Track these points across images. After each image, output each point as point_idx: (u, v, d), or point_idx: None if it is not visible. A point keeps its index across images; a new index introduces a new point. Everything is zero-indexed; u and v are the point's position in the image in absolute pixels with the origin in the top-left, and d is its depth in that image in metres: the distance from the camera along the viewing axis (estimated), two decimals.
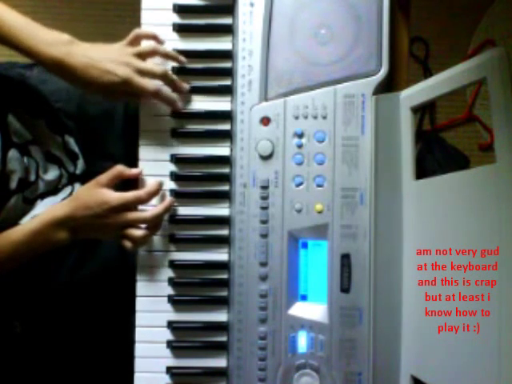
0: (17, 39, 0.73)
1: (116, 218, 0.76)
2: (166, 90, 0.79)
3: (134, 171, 0.80)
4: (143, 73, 0.76)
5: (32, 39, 0.73)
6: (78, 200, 0.76)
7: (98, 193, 0.76)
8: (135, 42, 0.78)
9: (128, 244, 0.77)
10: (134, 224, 0.76)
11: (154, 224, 0.78)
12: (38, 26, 0.75)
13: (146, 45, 0.79)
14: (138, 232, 0.76)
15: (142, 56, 0.77)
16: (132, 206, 0.77)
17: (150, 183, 0.79)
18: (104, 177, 0.77)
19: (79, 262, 0.88)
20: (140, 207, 0.79)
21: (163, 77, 0.78)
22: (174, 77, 0.80)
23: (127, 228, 0.76)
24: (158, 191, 0.79)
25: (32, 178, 0.80)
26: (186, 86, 0.80)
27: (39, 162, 0.82)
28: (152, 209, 0.78)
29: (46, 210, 0.78)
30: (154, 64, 0.78)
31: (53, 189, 0.84)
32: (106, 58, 0.75)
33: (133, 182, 0.80)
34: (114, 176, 0.77)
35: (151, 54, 0.78)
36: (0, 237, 0.75)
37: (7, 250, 0.75)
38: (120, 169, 0.78)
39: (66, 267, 0.88)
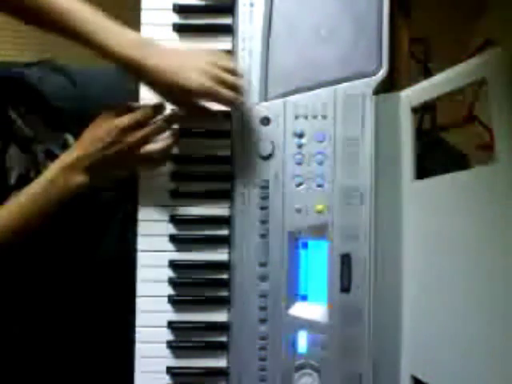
0: (89, 36, 0.71)
1: (127, 139, 0.74)
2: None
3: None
4: (223, 84, 0.74)
5: (106, 38, 0.71)
6: (85, 138, 0.75)
7: (104, 122, 0.75)
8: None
9: (149, 166, 0.77)
10: (146, 140, 0.75)
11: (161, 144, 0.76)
12: (109, 22, 0.73)
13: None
14: (155, 145, 0.75)
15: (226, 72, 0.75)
16: (137, 125, 0.75)
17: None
18: (110, 111, 0.76)
19: (77, 261, 0.88)
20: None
21: (234, 87, 0.75)
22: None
23: (143, 148, 0.75)
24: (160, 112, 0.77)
25: (32, 175, 0.80)
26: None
27: (40, 160, 0.82)
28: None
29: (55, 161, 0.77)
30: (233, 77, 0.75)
31: None
32: (192, 66, 0.73)
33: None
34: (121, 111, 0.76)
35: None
36: (14, 199, 0.74)
37: (26, 205, 0.73)
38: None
39: (65, 267, 0.88)
